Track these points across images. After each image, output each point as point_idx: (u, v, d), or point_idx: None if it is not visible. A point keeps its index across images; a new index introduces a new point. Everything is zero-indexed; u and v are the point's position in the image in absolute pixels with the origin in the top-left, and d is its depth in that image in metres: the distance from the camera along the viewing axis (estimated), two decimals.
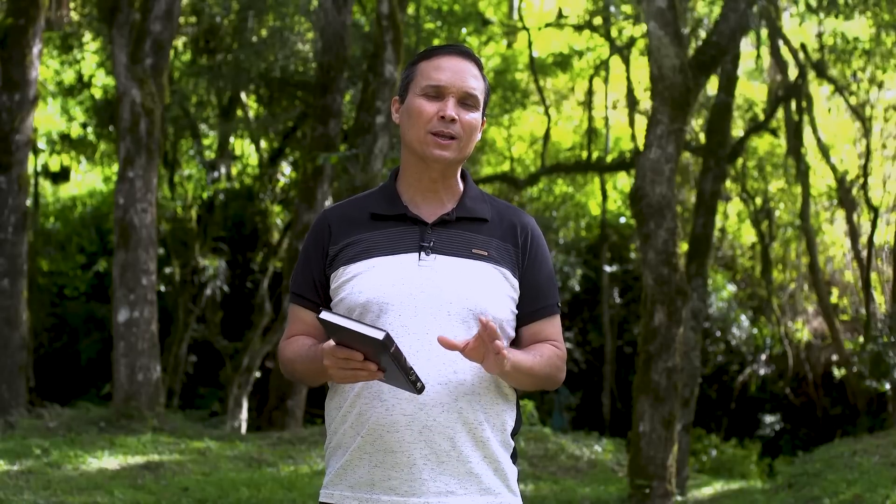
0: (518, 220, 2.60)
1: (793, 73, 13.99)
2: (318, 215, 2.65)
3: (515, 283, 2.54)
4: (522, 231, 2.58)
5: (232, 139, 17.45)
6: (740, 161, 15.99)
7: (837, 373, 16.96)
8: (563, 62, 16.81)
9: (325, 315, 2.29)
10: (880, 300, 16.34)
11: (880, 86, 15.43)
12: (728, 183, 15.93)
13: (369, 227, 2.53)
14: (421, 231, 2.51)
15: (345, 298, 2.50)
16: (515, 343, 2.57)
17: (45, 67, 15.59)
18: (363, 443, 2.47)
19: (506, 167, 18.43)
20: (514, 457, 2.58)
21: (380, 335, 2.24)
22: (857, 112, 15.44)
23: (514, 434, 2.56)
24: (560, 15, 16.32)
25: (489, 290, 2.49)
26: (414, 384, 2.31)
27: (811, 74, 14.53)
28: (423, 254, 2.49)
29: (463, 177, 2.63)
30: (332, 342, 2.31)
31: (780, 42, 13.75)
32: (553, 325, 2.59)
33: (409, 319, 2.45)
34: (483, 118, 2.58)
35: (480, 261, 2.50)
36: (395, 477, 2.45)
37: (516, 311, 2.55)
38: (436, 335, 2.42)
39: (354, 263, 2.50)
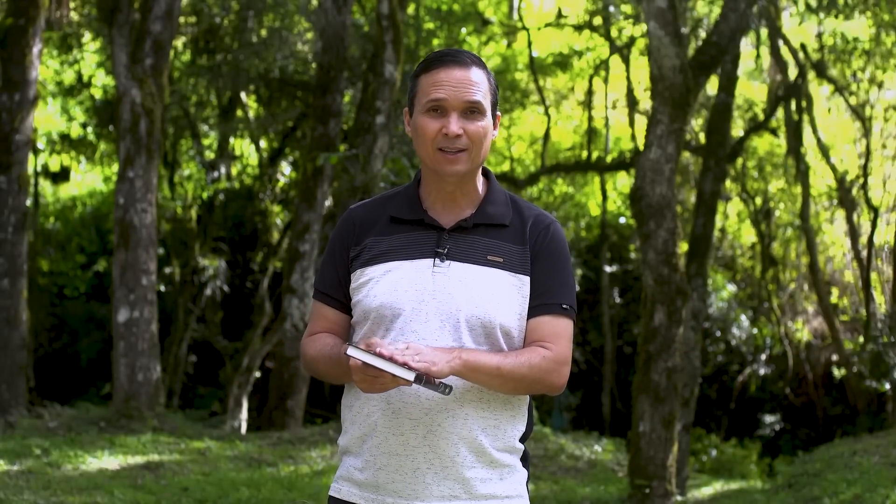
0: (534, 220, 2.56)
1: (793, 73, 13.99)
2: (345, 213, 2.66)
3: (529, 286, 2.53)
4: (536, 230, 2.54)
5: (232, 139, 17.44)
6: (740, 161, 15.99)
7: (837, 373, 16.95)
8: (562, 62, 16.81)
9: (352, 352, 2.32)
10: (880, 300, 16.34)
11: (880, 86, 15.43)
12: (728, 183, 15.92)
13: (388, 230, 2.54)
14: (437, 237, 2.51)
15: (361, 301, 2.52)
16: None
17: (45, 67, 15.58)
18: (370, 445, 2.48)
19: (506, 167, 18.41)
20: (525, 460, 2.56)
21: (410, 376, 2.29)
22: (857, 112, 15.43)
23: (524, 438, 2.55)
24: (560, 15, 16.32)
25: (500, 298, 2.48)
26: (443, 391, 2.36)
27: (811, 74, 14.52)
28: (437, 260, 2.49)
29: (487, 178, 2.61)
30: (359, 361, 2.33)
31: (780, 42, 13.75)
32: (551, 325, 2.50)
33: (420, 325, 2.46)
34: (496, 116, 2.56)
35: (495, 268, 2.49)
36: (399, 480, 2.46)
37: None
38: (445, 342, 2.44)
39: (371, 266, 2.51)
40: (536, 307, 2.51)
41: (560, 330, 2.51)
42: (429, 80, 2.49)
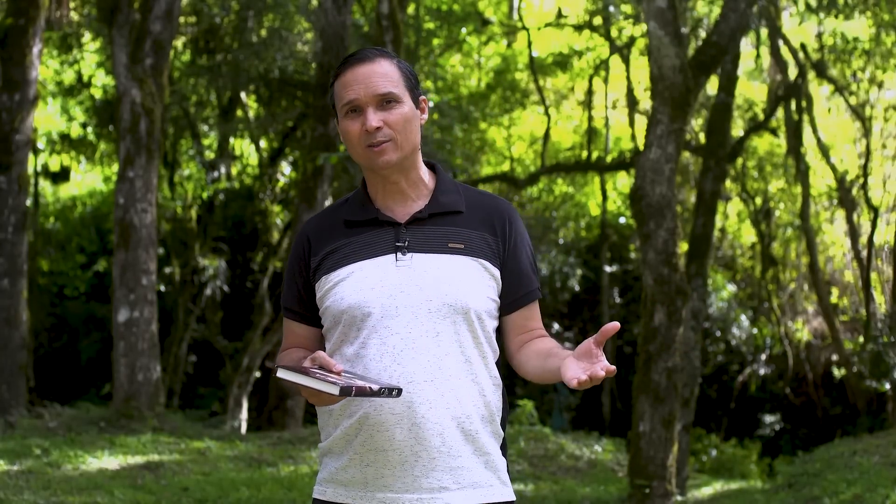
0: (494, 207, 2.60)
1: (793, 72, 13.99)
2: (299, 229, 2.69)
3: (496, 272, 2.55)
4: (500, 218, 2.59)
5: (232, 139, 17.44)
6: (740, 161, 15.99)
7: (837, 373, 16.96)
8: (562, 62, 16.81)
9: (281, 373, 2.34)
10: (880, 300, 16.34)
11: (880, 86, 15.44)
12: (728, 183, 15.92)
13: (346, 235, 2.56)
14: (396, 232, 2.53)
15: (329, 307, 2.54)
16: (501, 331, 2.60)
17: (45, 67, 15.58)
18: (355, 443, 2.49)
19: (506, 167, 18.42)
20: (504, 447, 2.59)
21: (334, 390, 2.26)
22: (857, 112, 15.44)
23: (503, 423, 2.58)
24: (560, 15, 16.32)
25: (467, 283, 2.50)
26: (390, 395, 2.34)
27: (811, 74, 14.53)
28: (399, 254, 2.51)
29: (433, 170, 2.64)
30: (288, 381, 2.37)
31: (780, 42, 13.75)
32: (537, 311, 2.63)
33: (392, 320, 2.47)
34: (418, 101, 2.57)
35: (457, 254, 2.51)
36: (387, 475, 2.47)
37: (498, 301, 2.56)
38: (419, 334, 2.46)
39: (335, 271, 2.53)
40: (524, 296, 2.59)
41: (539, 315, 2.65)
42: (340, 85, 2.54)
